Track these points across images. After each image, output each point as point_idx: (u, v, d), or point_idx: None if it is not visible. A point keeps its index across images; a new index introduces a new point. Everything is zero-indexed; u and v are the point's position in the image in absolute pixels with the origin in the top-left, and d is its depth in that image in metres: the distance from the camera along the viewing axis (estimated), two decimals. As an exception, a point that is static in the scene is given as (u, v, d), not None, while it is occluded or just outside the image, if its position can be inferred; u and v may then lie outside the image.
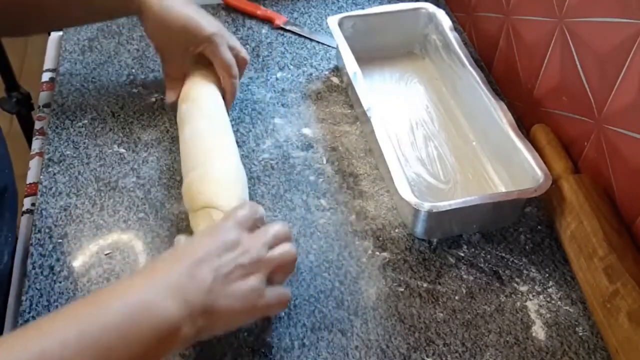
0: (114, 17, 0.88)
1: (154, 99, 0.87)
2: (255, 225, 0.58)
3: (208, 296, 0.51)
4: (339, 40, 0.85)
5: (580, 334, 0.64)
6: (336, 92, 0.89)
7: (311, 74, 0.92)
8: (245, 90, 0.89)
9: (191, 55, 0.79)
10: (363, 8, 1.02)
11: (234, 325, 0.57)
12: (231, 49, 0.79)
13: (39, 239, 0.70)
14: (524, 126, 0.84)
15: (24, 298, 0.65)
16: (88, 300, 0.49)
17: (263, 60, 0.94)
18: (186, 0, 0.78)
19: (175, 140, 0.78)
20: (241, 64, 0.81)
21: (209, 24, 0.77)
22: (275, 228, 0.58)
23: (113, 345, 0.45)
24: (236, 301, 0.53)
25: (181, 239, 0.60)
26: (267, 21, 1.01)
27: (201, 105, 0.77)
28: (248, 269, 0.54)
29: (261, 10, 1.01)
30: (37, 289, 0.66)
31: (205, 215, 0.65)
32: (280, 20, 0.99)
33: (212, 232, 0.56)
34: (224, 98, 0.80)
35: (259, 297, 0.54)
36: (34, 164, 0.80)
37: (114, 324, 0.46)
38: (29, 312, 0.64)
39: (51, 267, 0.67)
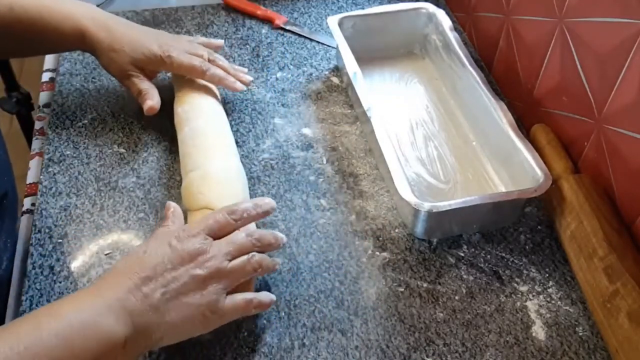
0: (71, 50, 0.89)
1: (154, 99, 0.87)
2: (227, 230, 0.59)
3: (155, 314, 0.51)
4: (339, 40, 0.85)
5: (580, 334, 0.64)
6: (336, 92, 0.89)
7: (311, 74, 0.92)
8: (245, 90, 0.89)
9: (154, 73, 0.81)
10: (363, 8, 1.02)
11: (189, 336, 0.57)
12: (193, 53, 0.79)
13: (39, 239, 0.70)
14: (524, 126, 0.84)
15: (24, 298, 0.65)
16: (41, 311, 0.50)
17: (263, 60, 0.94)
18: (129, 23, 0.79)
19: (175, 140, 0.78)
20: (216, 50, 0.84)
21: (156, 43, 0.77)
22: (240, 237, 0.58)
23: (61, 358, 0.46)
24: (186, 315, 0.53)
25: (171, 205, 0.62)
26: (267, 21, 1.01)
27: (198, 106, 0.78)
28: (204, 280, 0.54)
29: (261, 10, 1.01)
30: (37, 289, 0.66)
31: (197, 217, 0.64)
32: (280, 20, 0.99)
33: (173, 240, 0.56)
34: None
35: (213, 309, 0.54)
36: (34, 164, 0.80)
37: (63, 338, 0.47)
38: (29, 312, 0.64)
39: (51, 267, 0.67)
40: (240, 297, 0.58)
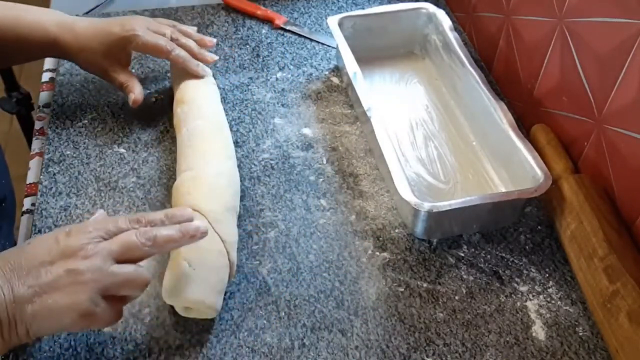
0: (44, 58, 0.90)
1: (154, 99, 0.87)
2: (114, 234, 0.54)
3: (17, 305, 0.49)
4: (339, 40, 0.85)
5: (580, 334, 0.64)
6: (336, 92, 0.89)
7: (311, 74, 0.92)
8: (245, 90, 0.89)
9: (128, 58, 0.81)
10: (363, 8, 1.02)
11: (59, 331, 0.54)
12: (157, 32, 0.80)
13: (39, 239, 0.70)
14: (524, 126, 0.84)
15: (24, 298, 0.65)
16: None
17: (263, 60, 0.94)
18: (92, 20, 0.80)
19: (175, 140, 0.78)
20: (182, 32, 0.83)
21: (118, 26, 0.78)
22: (130, 236, 0.54)
23: None
24: (53, 312, 0.50)
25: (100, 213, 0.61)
26: (267, 21, 1.01)
27: (197, 107, 0.78)
28: (78, 278, 0.51)
29: (261, 10, 1.01)
30: (37, 289, 0.66)
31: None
32: (280, 20, 0.99)
33: (61, 235, 0.53)
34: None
35: (83, 311, 0.51)
36: (34, 164, 0.80)
37: None
38: (29, 312, 0.64)
39: (51, 267, 0.67)
40: (115, 304, 0.54)
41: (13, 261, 0.51)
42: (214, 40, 0.86)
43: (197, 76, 0.81)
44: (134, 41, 0.77)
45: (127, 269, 0.53)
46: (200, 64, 0.81)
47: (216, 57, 0.84)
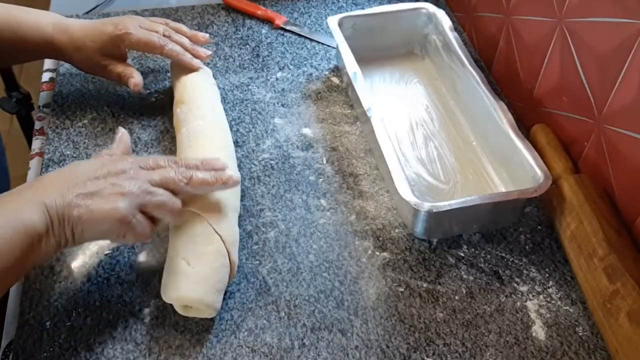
0: (41, 59, 0.89)
1: (154, 99, 0.87)
2: (153, 168, 0.62)
3: (66, 208, 0.55)
4: (339, 40, 0.85)
5: (580, 334, 0.64)
6: (336, 92, 0.89)
7: (311, 74, 0.92)
8: (245, 90, 0.89)
9: (123, 56, 0.82)
10: (363, 8, 1.02)
11: (102, 239, 0.60)
12: (149, 29, 0.80)
13: (39, 239, 0.70)
14: (524, 126, 0.84)
15: (24, 298, 0.65)
16: None
17: (263, 60, 0.94)
18: (85, 20, 0.81)
19: (175, 140, 0.78)
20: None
21: (111, 25, 0.78)
22: (170, 172, 0.61)
23: None
24: (97, 217, 0.56)
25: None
26: (267, 21, 1.01)
27: (197, 107, 0.77)
28: (121, 191, 0.57)
29: (261, 10, 1.01)
30: (37, 289, 0.66)
31: (185, 217, 0.64)
32: (280, 20, 0.99)
33: (106, 158, 0.61)
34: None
35: (123, 219, 0.56)
36: (34, 164, 0.80)
37: None
38: (29, 312, 0.64)
39: (51, 267, 0.67)
40: (149, 223, 0.60)
41: (63, 175, 0.58)
42: (207, 35, 0.86)
43: (192, 70, 0.82)
44: (127, 39, 0.78)
45: (164, 192, 0.60)
46: (194, 58, 0.82)
47: (209, 52, 0.84)
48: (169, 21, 0.84)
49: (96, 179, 0.57)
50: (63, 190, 0.56)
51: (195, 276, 0.60)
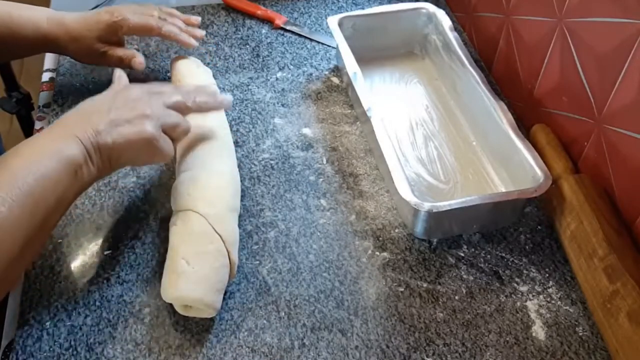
0: (36, 54, 0.88)
1: (154, 99, 0.87)
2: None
3: (99, 136, 0.59)
4: (339, 40, 0.85)
5: (580, 334, 0.64)
6: (336, 92, 0.89)
7: (311, 74, 0.92)
8: (245, 90, 0.89)
9: (121, 43, 0.84)
10: (363, 8, 1.02)
11: (134, 163, 0.66)
12: (144, 14, 0.82)
13: (39, 239, 0.70)
14: (524, 126, 0.84)
15: (24, 298, 0.65)
16: (11, 153, 0.56)
17: (263, 60, 0.94)
18: (79, 13, 0.82)
19: (175, 140, 0.78)
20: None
21: (107, 14, 0.80)
22: (177, 97, 0.67)
23: (36, 188, 0.53)
24: (129, 140, 0.60)
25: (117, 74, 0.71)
26: (267, 21, 1.01)
27: None
28: (144, 113, 0.62)
29: (261, 10, 1.01)
30: (37, 289, 0.66)
31: (185, 217, 0.64)
32: (280, 20, 0.99)
33: (119, 89, 0.66)
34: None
35: (151, 137, 0.61)
36: (34, 164, 0.80)
37: (36, 170, 0.54)
38: (29, 312, 0.64)
39: (51, 267, 0.67)
40: (171, 141, 0.65)
41: (84, 111, 0.62)
42: (199, 18, 0.88)
43: (189, 46, 0.84)
44: (124, 25, 0.79)
45: (177, 114, 0.66)
46: (191, 37, 0.84)
47: (203, 33, 0.87)
48: (161, 7, 0.86)
49: (117, 108, 0.61)
50: (91, 122, 0.59)
51: (195, 276, 0.60)
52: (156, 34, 0.81)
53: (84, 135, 0.58)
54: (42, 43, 0.79)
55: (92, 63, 0.85)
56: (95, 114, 0.61)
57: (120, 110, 0.61)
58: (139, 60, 0.81)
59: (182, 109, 0.67)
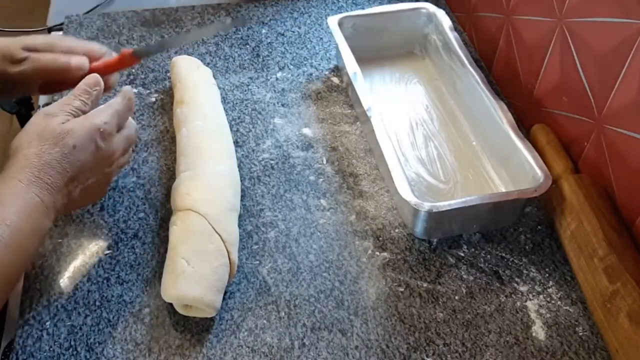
0: None
1: (154, 99, 0.87)
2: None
3: (68, 197, 0.58)
4: (339, 40, 0.85)
5: (580, 334, 0.64)
6: (336, 92, 0.89)
7: (311, 74, 0.92)
8: (245, 90, 0.89)
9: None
10: (363, 8, 1.02)
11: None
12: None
13: (39, 239, 0.70)
14: (524, 126, 0.84)
15: (24, 298, 0.65)
16: None
17: (263, 60, 0.94)
18: None
19: (175, 140, 0.78)
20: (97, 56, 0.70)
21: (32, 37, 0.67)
22: (132, 133, 0.66)
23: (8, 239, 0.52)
24: (89, 201, 0.66)
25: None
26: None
27: (196, 107, 0.78)
28: (111, 178, 0.64)
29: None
30: (37, 289, 0.66)
31: (185, 217, 0.64)
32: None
33: (98, 139, 0.60)
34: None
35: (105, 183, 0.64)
36: (34, 164, 0.80)
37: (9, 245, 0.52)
38: (29, 312, 0.64)
39: (51, 267, 0.67)
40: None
41: (68, 165, 0.58)
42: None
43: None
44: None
45: (128, 155, 0.67)
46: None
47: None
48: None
49: (94, 171, 0.61)
50: (65, 179, 0.57)
51: (195, 275, 0.60)
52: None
53: (56, 188, 0.56)
54: None
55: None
56: (74, 171, 0.58)
57: (96, 173, 0.61)
58: (80, 59, 0.65)
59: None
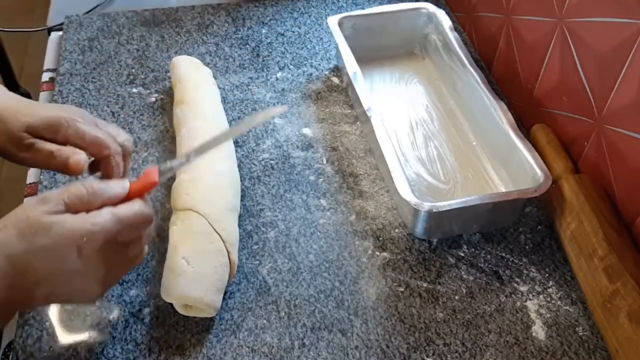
0: None
1: (154, 99, 0.87)
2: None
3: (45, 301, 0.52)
4: (339, 40, 0.85)
5: (580, 334, 0.64)
6: (336, 92, 0.89)
7: (311, 74, 0.92)
8: (245, 90, 0.89)
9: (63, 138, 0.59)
10: (363, 8, 1.02)
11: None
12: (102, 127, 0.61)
13: (39, 239, 0.70)
14: (524, 126, 0.84)
15: (24, 298, 0.65)
16: None
17: (263, 60, 0.94)
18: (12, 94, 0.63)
19: (175, 140, 0.78)
20: (125, 151, 0.61)
21: (57, 107, 0.61)
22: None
23: None
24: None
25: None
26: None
27: (196, 107, 0.78)
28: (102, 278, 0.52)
29: None
30: (37, 289, 0.66)
31: (185, 217, 0.64)
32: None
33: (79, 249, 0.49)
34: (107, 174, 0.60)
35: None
36: (34, 164, 0.80)
37: None
38: (29, 312, 0.64)
39: (51, 267, 0.67)
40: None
41: (49, 255, 0.48)
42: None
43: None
44: (71, 127, 0.58)
45: (138, 243, 0.55)
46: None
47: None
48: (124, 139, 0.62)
49: (65, 282, 0.50)
50: (21, 278, 0.48)
51: (195, 275, 0.61)
52: (103, 156, 0.59)
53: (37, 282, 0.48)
54: None
55: (9, 157, 0.60)
56: (58, 267, 0.48)
57: (84, 269, 0.49)
58: (77, 159, 0.57)
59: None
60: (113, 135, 0.60)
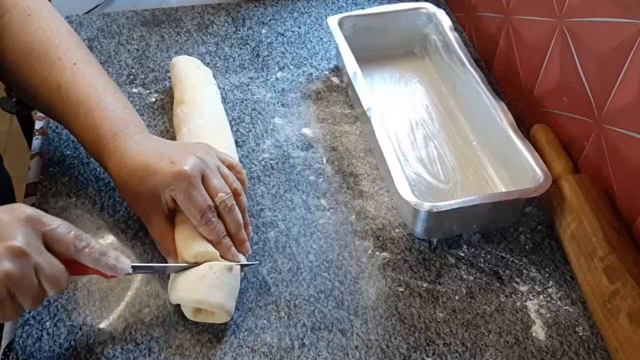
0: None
1: (154, 99, 0.87)
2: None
3: None
4: (339, 40, 0.85)
5: (580, 334, 0.64)
6: (336, 92, 0.89)
7: (311, 74, 0.92)
8: (245, 90, 0.89)
9: (165, 206, 0.63)
10: (363, 8, 1.02)
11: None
12: (223, 176, 0.64)
13: (39, 239, 0.70)
14: (524, 126, 0.84)
15: (24, 298, 0.65)
16: None
17: (263, 60, 0.94)
18: (160, 140, 0.67)
19: (175, 140, 0.78)
20: (240, 184, 0.65)
21: (177, 159, 0.61)
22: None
23: None
24: None
25: None
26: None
27: (197, 107, 0.77)
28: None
29: None
30: (37, 289, 0.66)
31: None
32: None
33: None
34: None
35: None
36: (34, 164, 0.80)
37: None
38: (29, 312, 0.64)
39: (51, 267, 0.67)
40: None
41: None
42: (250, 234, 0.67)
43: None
44: (171, 187, 0.61)
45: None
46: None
47: (249, 251, 0.65)
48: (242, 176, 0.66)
49: None
50: None
51: (217, 281, 0.60)
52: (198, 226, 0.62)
53: None
54: (95, 154, 0.67)
55: (134, 210, 0.67)
56: None
57: None
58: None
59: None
60: (202, 207, 0.61)
